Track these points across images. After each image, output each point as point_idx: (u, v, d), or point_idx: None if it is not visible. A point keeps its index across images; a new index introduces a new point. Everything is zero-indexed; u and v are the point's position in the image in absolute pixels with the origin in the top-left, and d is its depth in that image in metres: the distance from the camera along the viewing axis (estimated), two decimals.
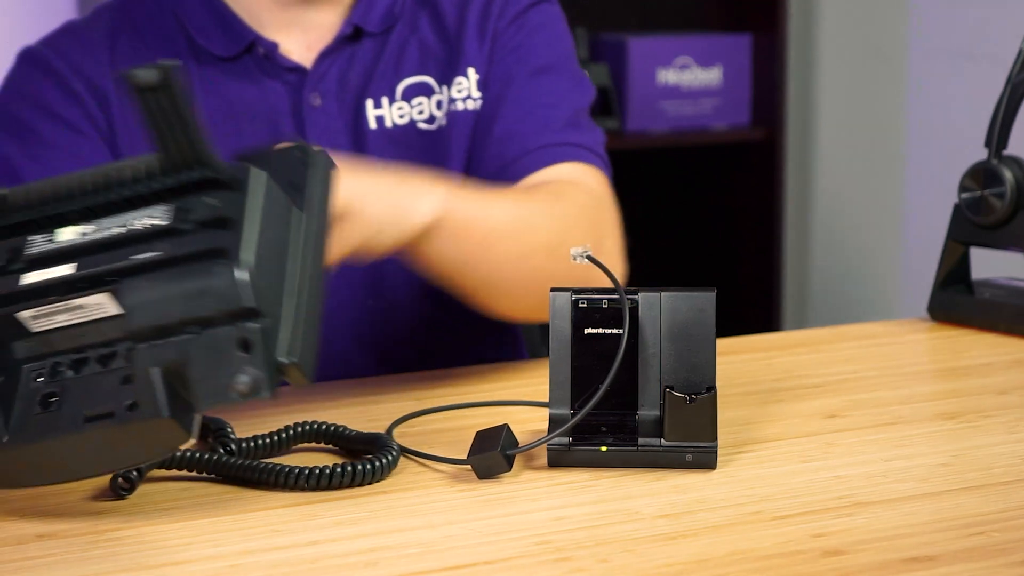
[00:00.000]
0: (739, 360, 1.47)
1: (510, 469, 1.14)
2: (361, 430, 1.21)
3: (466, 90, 1.53)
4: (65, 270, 1.01)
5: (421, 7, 1.55)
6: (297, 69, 1.51)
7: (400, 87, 1.53)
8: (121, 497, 1.10)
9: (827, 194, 3.50)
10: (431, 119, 1.53)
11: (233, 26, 1.51)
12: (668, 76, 3.16)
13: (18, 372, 1.02)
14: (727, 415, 1.24)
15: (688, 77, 3.17)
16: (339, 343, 1.49)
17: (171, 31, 1.52)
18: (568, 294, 1.17)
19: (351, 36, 1.53)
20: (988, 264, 1.76)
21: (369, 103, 1.52)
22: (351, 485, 1.12)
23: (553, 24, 1.58)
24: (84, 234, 1.02)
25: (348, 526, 1.05)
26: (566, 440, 1.15)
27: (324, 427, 1.21)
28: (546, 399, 1.17)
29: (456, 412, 1.31)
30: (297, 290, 1.02)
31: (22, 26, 2.54)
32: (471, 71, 1.53)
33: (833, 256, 3.52)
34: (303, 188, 1.08)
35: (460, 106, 1.53)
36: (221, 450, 1.16)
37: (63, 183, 1.03)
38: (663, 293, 1.17)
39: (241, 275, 0.96)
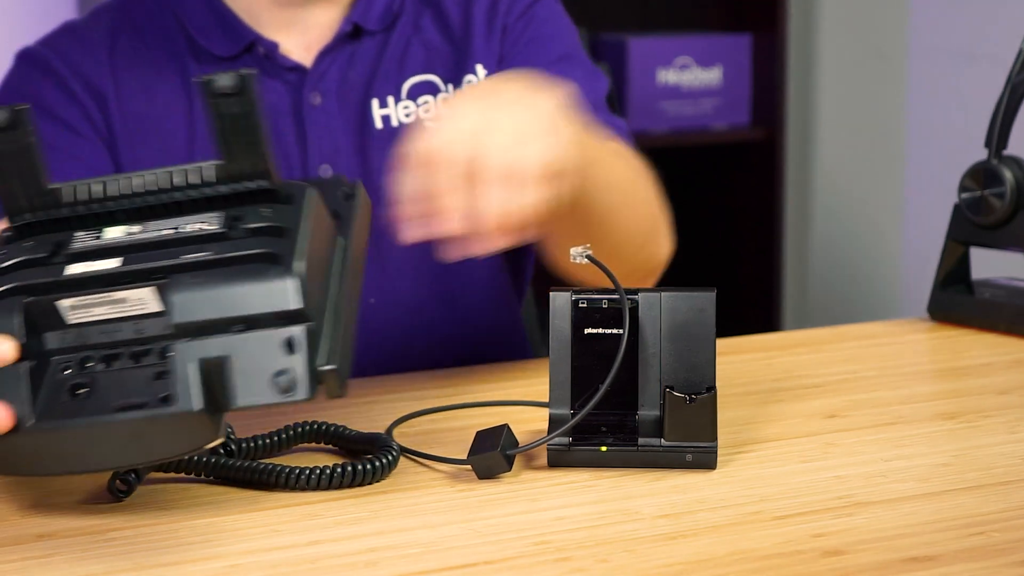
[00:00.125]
0: (739, 360, 1.47)
1: (510, 469, 1.14)
2: (361, 430, 1.21)
3: None
4: (111, 264, 1.00)
5: (424, 7, 1.55)
6: (297, 68, 1.51)
7: (405, 86, 1.53)
8: (119, 499, 1.10)
9: (827, 194, 3.50)
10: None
11: (233, 26, 1.51)
12: (668, 76, 3.15)
13: (47, 362, 1.01)
14: (727, 415, 1.24)
15: (688, 77, 3.16)
16: None
17: (171, 31, 1.52)
18: (568, 294, 1.17)
19: (351, 35, 1.53)
20: (988, 264, 1.76)
21: (375, 103, 1.52)
22: (351, 485, 1.12)
23: (558, 17, 1.59)
24: (131, 233, 1.02)
25: (348, 526, 1.05)
26: (566, 440, 1.15)
27: (324, 427, 1.21)
28: (546, 399, 1.17)
29: (456, 412, 1.31)
30: (335, 307, 1.02)
31: (22, 26, 2.54)
32: (480, 68, 1.53)
33: (833, 256, 3.52)
34: (346, 218, 1.10)
35: None
36: (221, 451, 1.16)
37: (113, 182, 1.04)
38: (663, 293, 1.17)
39: (293, 278, 0.97)
